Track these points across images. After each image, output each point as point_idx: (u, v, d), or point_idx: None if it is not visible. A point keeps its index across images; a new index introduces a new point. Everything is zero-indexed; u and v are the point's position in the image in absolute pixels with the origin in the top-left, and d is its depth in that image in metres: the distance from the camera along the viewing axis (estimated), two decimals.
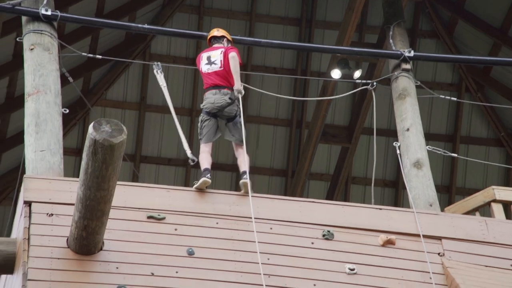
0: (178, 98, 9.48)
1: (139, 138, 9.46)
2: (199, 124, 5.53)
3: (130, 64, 9.12)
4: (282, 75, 6.90)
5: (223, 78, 5.46)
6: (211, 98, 5.44)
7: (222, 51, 5.52)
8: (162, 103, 9.22)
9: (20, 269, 4.78)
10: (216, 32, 5.64)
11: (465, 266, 5.24)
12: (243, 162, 5.40)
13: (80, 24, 7.83)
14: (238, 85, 5.40)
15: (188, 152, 5.51)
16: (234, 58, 5.44)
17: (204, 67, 5.50)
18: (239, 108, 5.46)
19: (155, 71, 5.74)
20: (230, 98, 5.41)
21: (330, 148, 9.66)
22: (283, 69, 9.53)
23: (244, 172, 5.38)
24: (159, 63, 5.77)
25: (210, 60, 5.49)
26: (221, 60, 5.47)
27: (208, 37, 5.66)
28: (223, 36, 5.63)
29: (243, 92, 5.41)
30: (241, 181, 5.38)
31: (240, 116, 5.47)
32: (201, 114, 5.53)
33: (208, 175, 5.35)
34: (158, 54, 9.37)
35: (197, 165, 10.17)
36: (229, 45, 5.62)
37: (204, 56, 5.56)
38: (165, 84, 5.71)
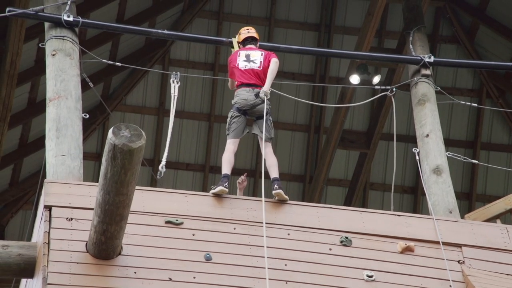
0: (196, 104, 9.53)
1: (157, 143, 9.52)
2: (228, 120, 5.52)
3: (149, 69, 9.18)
4: (301, 83, 6.87)
5: (259, 78, 5.48)
6: (244, 95, 5.45)
7: (262, 53, 5.57)
8: (180, 108, 9.28)
9: (40, 273, 4.83)
10: (254, 33, 5.66)
11: (485, 275, 5.17)
12: (272, 166, 5.39)
13: (101, 30, 7.90)
14: (267, 87, 5.47)
15: (162, 164, 5.41)
16: (277, 64, 5.52)
17: (241, 63, 5.52)
18: (270, 107, 5.47)
19: (171, 80, 5.73)
20: (256, 95, 5.43)
21: (348, 154, 9.62)
22: (302, 75, 9.53)
23: (275, 180, 5.34)
24: (178, 72, 5.78)
25: (249, 59, 5.52)
26: (261, 61, 5.52)
27: (245, 36, 5.64)
28: (257, 39, 5.69)
29: (268, 95, 5.46)
30: (273, 192, 5.34)
31: (270, 115, 5.49)
32: (231, 110, 5.52)
33: (226, 183, 5.34)
34: (178, 59, 9.44)
35: (216, 170, 10.18)
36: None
37: (242, 53, 5.58)
38: (176, 94, 5.70)
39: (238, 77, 5.52)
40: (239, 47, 5.72)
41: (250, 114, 5.50)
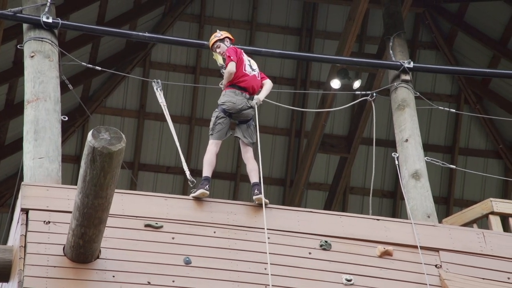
0: (177, 107, 9.50)
1: (137, 146, 9.46)
2: (212, 119, 5.50)
3: (130, 72, 9.13)
4: (281, 90, 6.92)
5: (254, 88, 5.57)
6: (234, 99, 5.48)
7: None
8: (161, 111, 9.20)
9: (16, 277, 4.77)
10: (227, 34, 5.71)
11: (462, 278, 5.23)
12: (253, 171, 5.43)
13: (81, 32, 7.85)
14: (262, 97, 5.60)
15: (188, 174, 5.49)
16: (271, 85, 5.70)
17: (248, 68, 5.61)
18: (256, 113, 5.52)
19: (155, 88, 5.72)
20: (248, 100, 5.48)
21: (328, 158, 9.66)
22: (283, 78, 9.55)
23: (256, 185, 5.36)
24: (159, 80, 5.76)
25: (251, 66, 5.64)
26: (259, 72, 5.67)
27: (226, 35, 5.68)
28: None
29: (259, 104, 5.54)
30: (254, 197, 5.35)
31: (253, 120, 5.53)
32: (217, 110, 5.52)
33: (207, 186, 5.33)
34: (159, 62, 9.40)
35: (197, 173, 10.17)
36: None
37: (245, 57, 5.66)
38: (164, 103, 5.70)
39: (237, 77, 5.51)
40: (223, 59, 5.71)
41: (235, 117, 5.51)
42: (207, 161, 5.43)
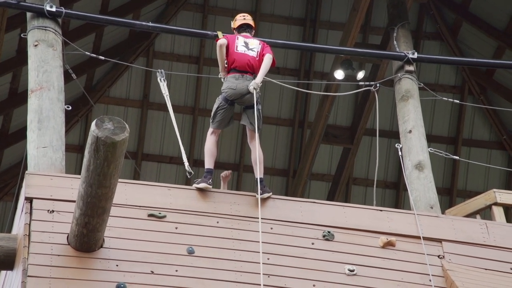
0: (181, 97, 9.49)
1: (141, 136, 9.47)
2: (214, 106, 5.39)
3: (133, 62, 9.12)
4: (284, 82, 6.89)
5: (253, 67, 5.32)
6: (233, 83, 5.30)
7: (260, 43, 5.43)
8: (165, 101, 9.19)
9: (20, 265, 4.79)
10: (250, 21, 5.52)
11: (465, 269, 5.24)
12: (255, 163, 5.24)
13: (85, 21, 7.83)
14: (259, 80, 5.31)
15: (186, 165, 5.41)
16: (271, 60, 5.39)
17: (240, 47, 5.37)
18: (259, 94, 5.35)
19: (158, 78, 5.65)
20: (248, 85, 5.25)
21: (332, 149, 9.65)
22: (287, 69, 9.53)
23: (261, 181, 5.22)
24: (162, 70, 5.69)
25: (248, 46, 5.38)
26: (258, 51, 5.38)
27: (240, 23, 5.50)
28: (252, 28, 5.54)
29: (258, 89, 5.31)
30: (259, 196, 5.22)
31: (259, 104, 5.37)
32: (219, 98, 5.38)
33: (210, 180, 5.29)
34: (162, 52, 9.38)
35: (199, 164, 10.12)
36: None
37: (241, 38, 5.41)
38: (167, 93, 5.63)
39: (231, 60, 5.36)
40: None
41: (239, 103, 5.37)
42: (208, 152, 5.37)
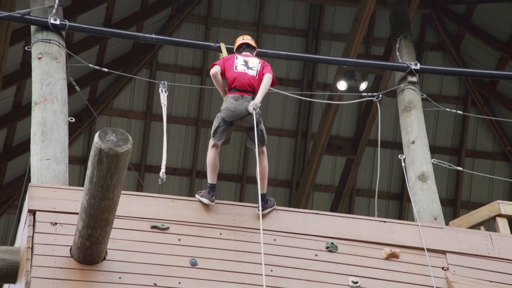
0: (184, 108, 9.51)
1: (144, 148, 9.48)
2: (214, 123, 5.35)
3: (137, 74, 9.15)
4: (287, 93, 6.90)
5: (253, 86, 5.28)
6: (232, 105, 5.27)
7: (260, 62, 5.41)
8: (167, 113, 9.19)
9: (23, 278, 4.79)
10: (250, 40, 5.51)
11: (469, 281, 5.21)
12: (261, 180, 5.22)
13: (88, 34, 7.87)
14: (258, 101, 5.25)
15: (162, 172, 5.36)
16: (270, 79, 5.34)
17: (240, 66, 5.34)
18: (260, 116, 5.31)
19: (160, 89, 5.65)
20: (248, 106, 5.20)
21: (335, 160, 9.65)
22: (289, 80, 9.55)
23: (263, 197, 5.20)
24: (165, 82, 5.69)
25: (248, 65, 5.35)
26: (257, 70, 5.35)
27: (240, 43, 5.49)
28: (254, 48, 5.52)
29: (257, 109, 5.24)
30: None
31: (261, 123, 5.32)
32: (218, 116, 5.35)
33: (213, 197, 5.28)
34: (165, 63, 9.42)
35: (203, 175, 10.08)
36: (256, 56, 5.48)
37: (240, 58, 5.39)
38: (166, 103, 5.62)
39: (231, 80, 5.33)
40: (228, 53, 5.70)
41: (239, 124, 5.35)
42: (210, 165, 5.36)
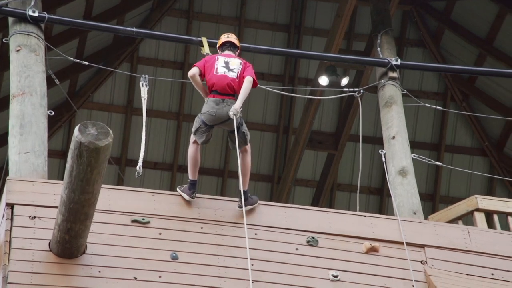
0: (165, 102, 9.47)
1: (125, 141, 9.42)
2: (195, 124, 5.30)
3: (117, 67, 9.08)
4: (269, 88, 6.90)
5: (234, 89, 5.21)
6: (213, 110, 5.21)
7: (241, 63, 5.31)
8: (149, 107, 9.19)
9: (0, 272, 4.73)
10: (234, 39, 5.41)
11: (447, 274, 5.28)
12: (243, 176, 5.22)
13: (68, 26, 7.79)
14: (238, 106, 5.17)
15: (139, 165, 5.32)
16: (251, 83, 5.23)
17: (220, 69, 5.25)
18: (242, 118, 5.25)
19: (140, 83, 5.59)
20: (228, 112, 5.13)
21: (316, 155, 9.69)
22: (271, 75, 9.55)
23: (244, 193, 5.20)
24: (146, 76, 5.64)
25: (228, 67, 5.26)
26: (238, 72, 5.26)
27: (223, 41, 5.40)
28: (236, 46, 5.41)
29: (237, 115, 5.18)
30: (239, 208, 5.24)
31: (242, 125, 5.27)
32: (199, 117, 5.28)
33: (194, 193, 5.27)
34: (146, 57, 9.36)
35: (184, 169, 10.04)
36: (239, 54, 5.39)
37: (221, 59, 5.30)
38: (146, 97, 5.57)
39: (211, 83, 5.25)
40: (209, 47, 5.67)
41: (220, 127, 5.29)
42: (191, 160, 5.32)
